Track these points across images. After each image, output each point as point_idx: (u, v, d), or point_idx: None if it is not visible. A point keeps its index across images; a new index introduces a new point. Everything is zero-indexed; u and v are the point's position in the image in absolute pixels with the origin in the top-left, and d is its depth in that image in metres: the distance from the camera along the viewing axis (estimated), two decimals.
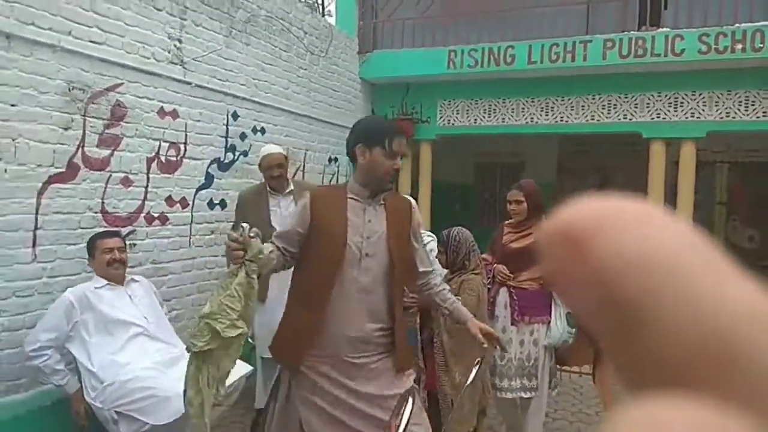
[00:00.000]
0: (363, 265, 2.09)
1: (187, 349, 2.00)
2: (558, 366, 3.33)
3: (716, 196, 7.75)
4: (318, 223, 2.09)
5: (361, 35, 6.56)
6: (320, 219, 2.09)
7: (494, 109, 6.33)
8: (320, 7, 6.62)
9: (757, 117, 5.36)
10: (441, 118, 6.54)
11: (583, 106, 5.96)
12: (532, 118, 6.18)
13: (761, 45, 4.94)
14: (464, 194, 9.29)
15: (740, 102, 5.41)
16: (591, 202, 0.18)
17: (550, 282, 0.19)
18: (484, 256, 3.31)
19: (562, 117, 6.06)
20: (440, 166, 7.41)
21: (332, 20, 7.16)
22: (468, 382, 2.41)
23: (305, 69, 5.39)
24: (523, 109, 6.21)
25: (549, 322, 3.13)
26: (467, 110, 6.44)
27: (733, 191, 7.69)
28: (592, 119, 5.93)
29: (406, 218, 2.23)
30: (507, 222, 3.39)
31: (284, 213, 3.51)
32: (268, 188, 3.55)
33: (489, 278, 3.21)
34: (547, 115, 6.13)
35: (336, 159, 5.98)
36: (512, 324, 3.14)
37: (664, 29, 5.35)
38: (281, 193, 3.54)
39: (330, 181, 5.89)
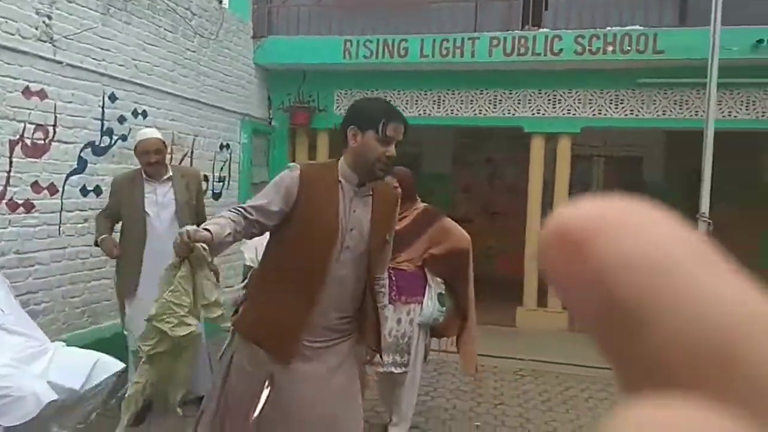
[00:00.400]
0: (341, 257, 2.00)
1: (135, 352, 1.92)
2: (436, 338, 3.49)
3: (593, 188, 8.36)
4: (306, 206, 1.95)
5: (255, 20, 6.43)
6: (310, 202, 1.95)
7: (389, 100, 6.41)
8: None
9: (626, 115, 5.84)
10: (338, 107, 6.56)
11: (471, 100, 6.20)
12: (425, 110, 6.36)
13: (629, 48, 5.37)
14: None
15: (611, 100, 5.86)
16: (590, 203, 0.18)
17: (550, 283, 0.18)
18: None
19: (452, 110, 6.28)
20: (337, 155, 7.44)
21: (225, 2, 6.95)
22: None
23: (194, 51, 5.21)
24: (417, 101, 6.36)
25: (421, 301, 3.28)
26: None
27: (608, 183, 8.33)
28: (480, 113, 6.20)
29: (390, 214, 2.14)
30: None
31: (161, 200, 3.39)
32: (143, 174, 3.41)
33: None
34: (439, 108, 6.32)
35: (228, 146, 5.84)
36: (390, 302, 3.26)
37: (545, 30, 5.68)
38: (158, 179, 3.42)
39: (221, 169, 5.76)
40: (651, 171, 8.02)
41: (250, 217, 1.93)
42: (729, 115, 5.53)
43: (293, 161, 6.87)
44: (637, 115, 5.79)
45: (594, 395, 4.42)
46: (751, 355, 0.16)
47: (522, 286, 6.37)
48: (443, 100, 6.30)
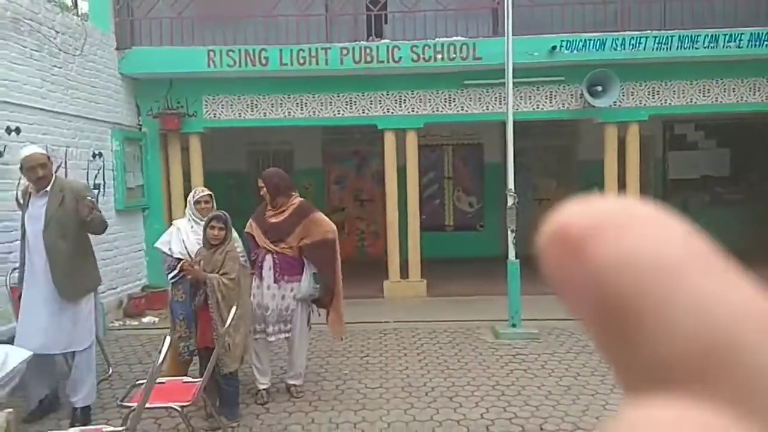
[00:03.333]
0: None
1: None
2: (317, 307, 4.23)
3: (445, 172, 9.56)
4: None
5: (118, 31, 6.71)
6: None
7: (256, 104, 7.04)
8: (75, 3, 6.59)
9: (458, 111, 6.93)
10: (207, 112, 7.05)
11: (330, 102, 6.99)
12: (289, 112, 7.04)
13: (454, 55, 6.43)
14: (239, 181, 9.87)
15: (445, 99, 6.92)
16: (588, 204, 0.18)
17: (550, 282, 0.19)
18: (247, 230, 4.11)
19: (314, 111, 7.03)
20: (212, 157, 7.91)
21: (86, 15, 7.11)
22: (228, 324, 3.18)
23: (60, 67, 5.47)
24: (281, 104, 7.03)
25: (301, 280, 4.01)
26: (231, 105, 7.05)
27: (456, 168, 9.55)
28: (338, 114, 7.00)
29: None
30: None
31: (34, 213, 3.55)
32: (30, 189, 3.69)
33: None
34: (302, 109, 7.04)
35: (100, 154, 6.14)
36: (275, 282, 3.96)
37: (386, 40, 6.59)
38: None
39: (95, 176, 6.05)
40: (490, 155, 9.32)
41: None
42: (537, 108, 6.81)
43: (167, 164, 7.23)
44: (467, 111, 6.91)
45: (440, 341, 5.44)
46: (749, 354, 0.16)
47: (387, 262, 7.30)
48: (305, 103, 7.02)
